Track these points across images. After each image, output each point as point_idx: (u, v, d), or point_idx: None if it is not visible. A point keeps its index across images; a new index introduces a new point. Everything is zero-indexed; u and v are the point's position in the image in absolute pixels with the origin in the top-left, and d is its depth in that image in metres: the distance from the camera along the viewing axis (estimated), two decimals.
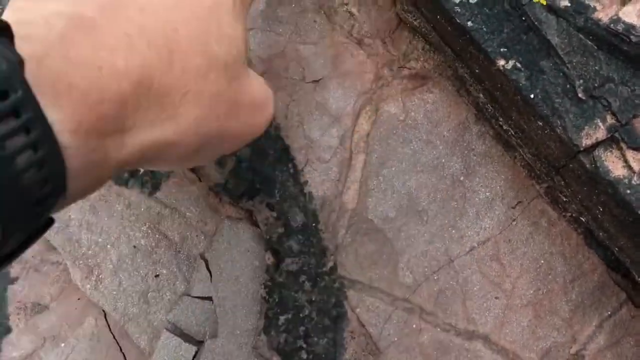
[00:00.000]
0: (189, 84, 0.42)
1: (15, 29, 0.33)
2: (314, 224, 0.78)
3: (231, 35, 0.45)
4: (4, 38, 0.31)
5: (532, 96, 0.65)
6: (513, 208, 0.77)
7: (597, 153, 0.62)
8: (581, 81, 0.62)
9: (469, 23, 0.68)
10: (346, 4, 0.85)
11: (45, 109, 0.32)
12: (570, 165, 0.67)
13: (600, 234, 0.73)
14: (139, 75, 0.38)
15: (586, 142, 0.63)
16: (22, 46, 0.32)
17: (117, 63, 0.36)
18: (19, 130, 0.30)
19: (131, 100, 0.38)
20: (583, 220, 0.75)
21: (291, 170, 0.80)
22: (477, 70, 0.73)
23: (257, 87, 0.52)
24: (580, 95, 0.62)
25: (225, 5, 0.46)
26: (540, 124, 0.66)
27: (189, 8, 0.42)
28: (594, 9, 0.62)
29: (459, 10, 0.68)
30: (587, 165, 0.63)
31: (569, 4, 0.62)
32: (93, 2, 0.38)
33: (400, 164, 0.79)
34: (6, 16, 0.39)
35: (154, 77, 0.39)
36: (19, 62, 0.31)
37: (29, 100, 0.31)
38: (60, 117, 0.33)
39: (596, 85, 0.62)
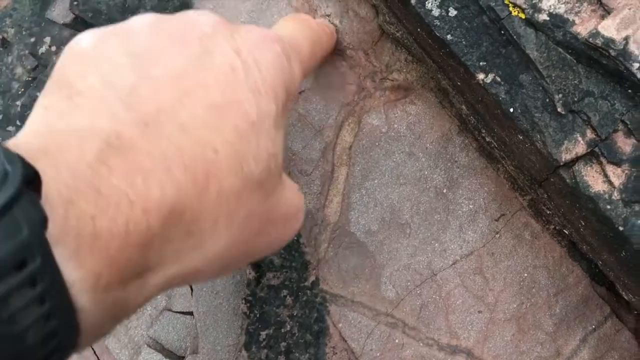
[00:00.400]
0: (222, 208, 0.38)
1: (44, 156, 0.31)
2: (295, 238, 0.78)
3: (270, 150, 0.42)
4: (31, 191, 0.29)
5: (511, 110, 0.64)
6: (496, 221, 0.76)
7: (577, 168, 0.62)
8: (560, 95, 0.62)
9: (449, 36, 0.67)
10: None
11: (65, 267, 0.30)
12: (551, 179, 0.67)
13: (584, 247, 0.73)
14: (172, 206, 0.35)
15: (566, 156, 0.62)
16: (50, 178, 0.30)
17: (150, 193, 0.34)
18: (33, 301, 0.28)
19: (158, 238, 0.35)
20: (566, 232, 0.74)
21: None
22: (458, 83, 0.73)
23: (290, 198, 0.49)
24: (559, 109, 0.62)
25: (268, 118, 0.42)
26: (521, 137, 0.66)
27: (232, 125, 0.39)
28: (573, 23, 0.61)
29: (438, 23, 0.67)
30: (567, 180, 0.63)
31: (548, 18, 0.62)
32: (134, 115, 0.35)
33: (383, 176, 0.78)
34: (36, 118, 0.37)
35: (186, 206, 0.36)
36: (43, 221, 0.29)
37: (47, 268, 0.29)
38: (79, 277, 0.31)
39: (575, 99, 0.61)
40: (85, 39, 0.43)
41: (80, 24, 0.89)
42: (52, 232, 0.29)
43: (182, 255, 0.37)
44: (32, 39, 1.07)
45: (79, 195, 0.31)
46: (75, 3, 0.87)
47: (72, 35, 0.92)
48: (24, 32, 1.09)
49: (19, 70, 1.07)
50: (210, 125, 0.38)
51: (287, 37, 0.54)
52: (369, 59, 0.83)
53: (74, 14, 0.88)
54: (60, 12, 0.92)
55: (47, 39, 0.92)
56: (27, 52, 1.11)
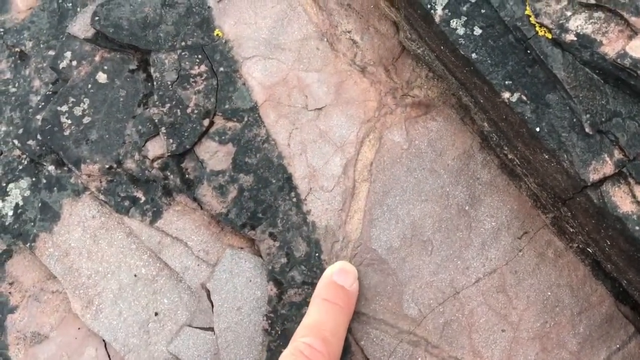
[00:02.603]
0: None
1: None
2: (317, 254, 0.77)
3: None
4: None
5: (537, 129, 0.64)
6: (519, 238, 0.76)
7: (604, 188, 0.62)
8: (588, 115, 0.62)
9: (474, 55, 0.67)
10: (349, 32, 0.85)
11: None
12: (577, 199, 0.66)
13: (608, 266, 0.72)
14: None
15: (593, 177, 0.62)
16: None
17: None
18: None
19: None
20: (590, 251, 0.74)
21: (294, 199, 0.79)
22: (481, 100, 0.72)
23: None
24: (587, 129, 0.62)
25: None
26: (546, 157, 0.65)
27: None
28: (600, 43, 0.61)
29: (463, 42, 0.67)
30: (595, 200, 0.62)
31: (575, 38, 0.62)
32: None
33: (404, 193, 0.78)
34: None
35: None
36: None
37: None
38: None
39: (603, 119, 0.61)
40: None
41: (101, 39, 0.89)
42: None
43: None
44: (51, 52, 1.08)
45: None
46: (97, 18, 0.87)
47: (94, 50, 0.93)
48: (41, 45, 1.09)
49: (36, 83, 1.08)
50: None
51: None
52: (390, 75, 0.83)
53: (95, 29, 0.88)
54: (81, 27, 0.92)
55: (68, 54, 0.92)
56: (45, 65, 1.12)
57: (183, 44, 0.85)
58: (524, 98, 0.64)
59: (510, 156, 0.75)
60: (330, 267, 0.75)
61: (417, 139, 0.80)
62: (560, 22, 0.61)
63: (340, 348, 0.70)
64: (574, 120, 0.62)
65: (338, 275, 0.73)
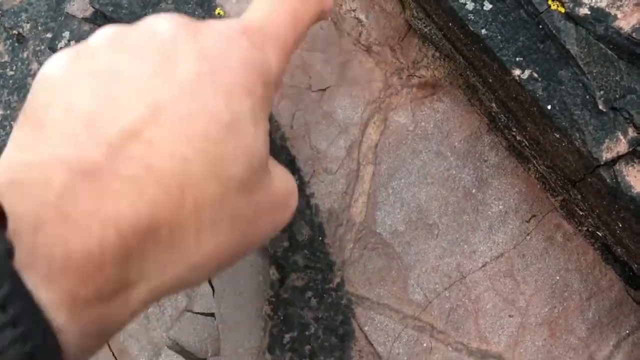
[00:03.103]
0: (202, 218, 0.38)
1: (8, 188, 0.31)
2: (320, 238, 0.76)
3: (250, 148, 0.41)
4: None
5: (549, 107, 0.62)
6: (527, 222, 0.74)
7: (618, 167, 0.60)
8: (601, 92, 0.60)
9: (483, 31, 0.65)
10: (354, 10, 0.83)
11: (38, 290, 0.30)
12: (589, 180, 0.64)
13: (619, 249, 0.70)
14: (146, 222, 0.35)
15: (607, 155, 0.60)
16: (17, 212, 0.31)
17: (121, 213, 0.34)
18: (6, 325, 0.28)
19: (137, 253, 0.35)
20: (600, 235, 0.72)
21: (297, 182, 0.77)
22: (490, 80, 0.71)
23: (279, 186, 0.49)
24: (600, 106, 0.60)
25: (244, 117, 0.40)
26: (558, 136, 0.64)
27: (202, 132, 0.38)
28: (615, 17, 0.59)
29: (473, 17, 0.65)
30: (607, 180, 0.60)
31: (589, 12, 0.60)
32: (98, 139, 0.35)
33: (410, 175, 0.76)
34: (7, 152, 0.37)
35: (162, 221, 0.36)
36: (9, 249, 0.29)
37: (17, 294, 0.29)
38: (53, 298, 0.31)
39: (617, 96, 0.59)
40: (52, 65, 0.43)
41: (100, 18, 0.87)
42: (20, 259, 0.30)
43: (165, 267, 0.37)
44: (49, 34, 1.06)
45: (46, 222, 0.31)
46: None
47: (92, 30, 0.91)
48: (39, 27, 1.07)
49: (34, 66, 1.06)
50: (179, 138, 0.37)
51: (261, 18, 0.51)
52: (396, 55, 0.81)
53: (94, 7, 0.86)
54: (79, 6, 0.90)
55: (66, 34, 0.90)
56: (43, 47, 1.10)
57: None
58: (535, 75, 0.62)
59: (518, 137, 0.74)
60: None
61: (423, 120, 0.78)
62: None
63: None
64: (587, 97, 0.60)
65: None
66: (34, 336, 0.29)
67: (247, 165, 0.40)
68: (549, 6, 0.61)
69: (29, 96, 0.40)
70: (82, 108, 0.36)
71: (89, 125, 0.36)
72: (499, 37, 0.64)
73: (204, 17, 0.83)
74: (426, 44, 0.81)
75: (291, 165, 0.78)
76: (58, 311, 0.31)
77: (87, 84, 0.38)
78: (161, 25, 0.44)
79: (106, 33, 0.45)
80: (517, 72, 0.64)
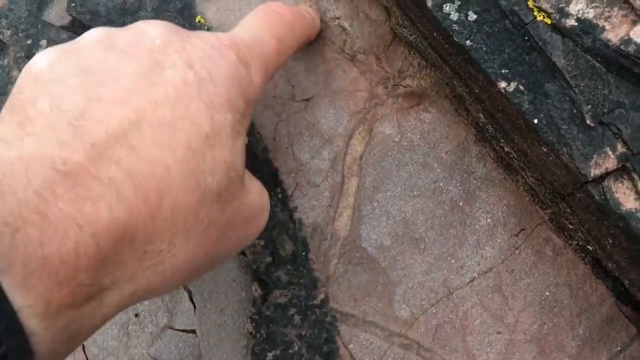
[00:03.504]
0: (178, 225, 0.38)
1: None
2: (303, 253, 0.74)
3: (228, 160, 0.41)
4: None
5: (535, 121, 0.60)
6: (516, 236, 0.72)
7: (606, 184, 0.58)
8: (589, 106, 0.58)
9: (468, 42, 0.63)
10: (338, 18, 0.81)
11: (13, 294, 0.30)
12: (577, 195, 0.62)
13: (610, 264, 0.68)
14: (122, 228, 0.35)
15: (595, 171, 0.58)
16: None
17: (99, 217, 0.34)
18: None
19: (111, 259, 0.35)
20: (590, 249, 0.70)
21: (279, 195, 0.75)
22: (476, 91, 0.69)
23: (252, 199, 0.48)
24: (588, 121, 0.58)
25: (224, 129, 0.41)
26: (545, 150, 0.62)
27: (184, 141, 0.38)
28: (603, 29, 0.57)
29: (457, 28, 0.63)
30: (596, 197, 0.59)
31: (576, 24, 0.58)
32: (82, 139, 0.35)
33: (396, 188, 0.74)
34: None
35: (138, 227, 0.36)
36: None
37: None
38: (28, 303, 0.31)
39: (605, 110, 0.57)
40: (40, 60, 0.42)
41: (78, 27, 0.85)
42: None
43: (137, 274, 0.37)
44: (30, 41, 1.03)
45: (25, 223, 0.31)
46: (73, 5, 0.83)
47: (70, 38, 0.89)
48: (20, 34, 1.05)
49: (15, 73, 1.03)
50: (161, 144, 0.37)
51: (249, 37, 0.52)
52: (381, 64, 0.79)
53: (71, 15, 0.84)
54: (57, 14, 0.88)
55: (44, 42, 0.88)
56: (23, 54, 1.08)
57: None
58: (521, 88, 0.60)
59: (506, 149, 0.72)
60: None
61: (409, 131, 0.76)
62: (560, 6, 0.57)
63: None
64: (574, 111, 0.58)
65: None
66: (8, 338, 0.29)
67: (224, 176, 0.41)
68: (535, 17, 0.59)
69: (14, 89, 0.40)
70: (68, 105, 0.36)
71: (74, 124, 0.36)
72: (484, 48, 0.62)
73: (184, 25, 0.81)
74: (412, 53, 0.79)
75: (273, 177, 0.76)
76: (32, 316, 0.31)
77: (75, 80, 0.38)
78: (152, 30, 0.44)
79: (97, 33, 0.44)
80: (502, 84, 0.62)
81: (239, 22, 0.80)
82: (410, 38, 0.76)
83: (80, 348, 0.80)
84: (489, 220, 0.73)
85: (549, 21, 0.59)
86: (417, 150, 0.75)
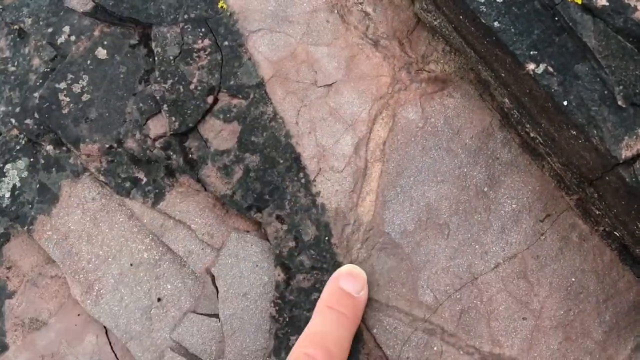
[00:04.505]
0: None
1: None
2: (326, 238, 0.73)
3: None
4: None
5: (565, 103, 0.60)
6: (541, 221, 0.72)
7: (638, 166, 0.57)
8: (621, 87, 0.57)
9: (496, 23, 0.63)
10: (361, 3, 0.80)
11: None
12: (607, 178, 0.62)
13: (637, 250, 0.68)
14: None
15: (626, 153, 0.57)
16: None
17: None
18: None
19: None
20: (617, 235, 0.69)
21: (302, 180, 0.75)
22: (502, 74, 0.68)
23: None
24: (619, 102, 0.57)
25: None
26: (574, 133, 0.61)
27: None
28: (635, 9, 0.57)
29: (485, 9, 0.63)
30: (627, 179, 0.58)
31: (607, 4, 0.57)
32: None
33: (419, 173, 0.74)
34: None
35: None
36: None
37: None
38: None
39: (637, 91, 0.57)
40: None
41: (101, 13, 0.85)
42: None
43: None
44: (50, 29, 1.04)
45: None
46: None
47: (93, 25, 0.89)
48: (41, 22, 1.05)
49: (36, 62, 1.04)
50: None
51: (316, 332, 0.68)
52: (404, 49, 0.78)
53: (94, 1, 0.84)
54: (79, 0, 0.88)
55: (66, 28, 0.88)
56: (44, 42, 1.08)
57: (186, 16, 0.80)
58: (551, 69, 0.60)
59: (532, 134, 0.71)
60: (338, 270, 0.70)
61: (433, 116, 0.75)
62: None
63: None
64: (605, 92, 0.57)
65: (345, 281, 0.68)
66: None
67: None
68: None
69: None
70: None
71: None
72: (512, 29, 0.62)
73: (206, 11, 0.81)
74: (436, 38, 0.78)
75: (296, 163, 0.76)
76: None
77: None
78: None
79: None
80: (531, 66, 0.61)
81: (261, 8, 0.80)
82: (435, 23, 0.75)
83: (102, 332, 0.81)
84: (514, 205, 0.72)
85: (579, 1, 0.58)
86: (441, 135, 0.75)
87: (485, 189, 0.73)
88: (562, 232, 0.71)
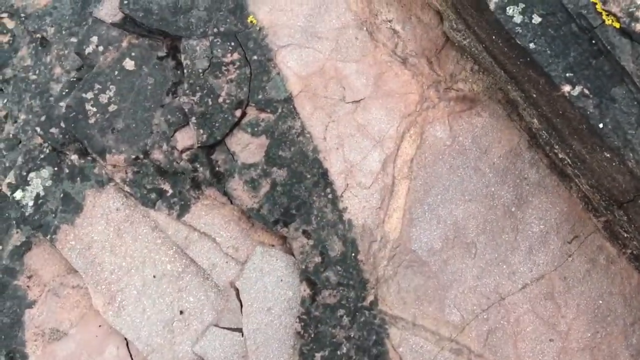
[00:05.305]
0: None
1: None
2: (353, 254, 0.73)
3: None
4: None
5: (600, 125, 0.60)
6: (569, 243, 0.71)
7: None
8: None
9: (531, 45, 0.63)
10: (390, 21, 0.81)
11: None
12: (639, 201, 0.62)
13: None
14: None
15: None
16: None
17: None
18: None
19: None
20: None
21: (329, 196, 0.75)
22: (534, 95, 0.68)
23: None
24: None
25: None
26: (608, 155, 0.61)
27: None
28: None
29: (521, 30, 0.63)
30: None
31: None
32: None
33: (447, 191, 0.74)
34: None
35: None
36: None
37: None
38: None
39: None
40: None
41: (129, 24, 0.85)
42: None
43: None
44: (73, 39, 1.04)
45: None
46: (126, 2, 0.83)
47: (121, 36, 0.89)
48: (64, 32, 1.06)
49: (57, 71, 1.04)
50: None
51: None
52: (433, 67, 0.79)
53: (123, 13, 0.85)
54: (108, 10, 0.89)
55: (94, 39, 0.89)
56: (66, 52, 1.09)
57: (215, 30, 0.81)
58: (587, 92, 0.60)
59: (561, 155, 0.71)
60: None
61: (461, 135, 0.76)
62: (630, 10, 0.57)
63: None
64: None
65: None
66: None
67: None
68: (604, 21, 0.59)
69: None
70: None
71: None
72: (548, 51, 0.62)
73: (236, 25, 0.81)
74: (464, 57, 0.78)
75: (323, 178, 0.76)
76: None
77: None
78: None
79: None
80: (566, 88, 0.61)
81: (290, 23, 0.81)
82: (464, 42, 0.76)
83: (123, 344, 0.80)
84: (541, 226, 0.72)
85: (617, 25, 0.58)
86: (469, 154, 0.75)
87: (513, 209, 0.72)
88: (589, 254, 0.71)
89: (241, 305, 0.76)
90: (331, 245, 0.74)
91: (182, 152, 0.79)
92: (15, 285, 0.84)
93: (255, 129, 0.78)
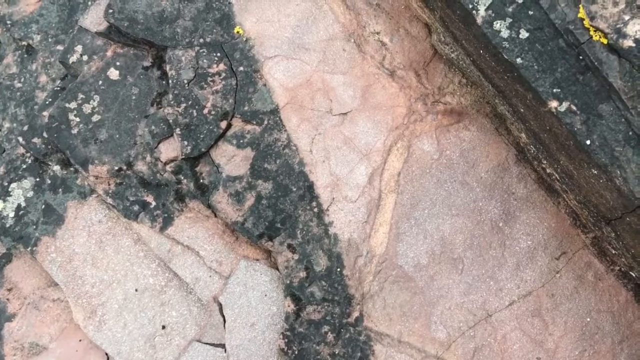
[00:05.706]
0: None
1: None
2: (338, 269, 0.72)
3: None
4: None
5: (588, 142, 0.59)
6: (557, 259, 0.71)
7: None
8: None
9: (518, 60, 0.62)
10: (377, 33, 0.80)
11: None
12: (627, 219, 0.61)
13: None
14: None
15: None
16: None
17: None
18: None
19: None
20: (634, 275, 0.69)
21: (315, 210, 0.74)
22: (521, 110, 0.67)
23: None
24: None
25: None
26: (595, 172, 0.60)
27: None
28: None
29: (508, 45, 0.63)
30: None
31: (634, 44, 0.57)
32: None
33: (434, 206, 0.73)
34: None
35: None
36: None
37: None
38: None
39: None
40: None
41: (114, 34, 0.84)
42: None
43: None
44: (59, 47, 1.03)
45: None
46: (111, 11, 0.82)
47: (106, 45, 0.88)
48: (50, 39, 1.05)
49: (43, 79, 1.03)
50: None
51: None
52: (421, 80, 0.78)
53: (108, 22, 0.83)
54: (93, 19, 0.87)
55: (79, 48, 0.88)
56: (52, 60, 1.07)
57: (201, 40, 0.80)
58: (574, 108, 0.59)
59: (549, 170, 0.70)
60: None
61: (449, 149, 0.75)
62: (618, 26, 0.57)
63: None
64: (630, 133, 0.57)
65: None
66: None
67: None
68: (591, 37, 0.58)
69: None
70: None
71: None
72: (536, 66, 0.61)
73: (222, 35, 0.80)
74: (452, 70, 0.78)
75: (309, 191, 0.75)
76: None
77: None
78: None
79: None
80: (553, 104, 0.61)
81: (277, 34, 0.80)
82: (452, 55, 0.75)
83: (104, 358, 0.78)
84: (529, 242, 0.71)
85: (605, 41, 0.58)
86: (456, 168, 0.74)
87: (501, 224, 0.72)
88: (577, 270, 0.70)
89: (224, 321, 0.74)
90: (316, 259, 0.73)
91: (166, 163, 0.78)
92: None
93: (241, 141, 0.77)
